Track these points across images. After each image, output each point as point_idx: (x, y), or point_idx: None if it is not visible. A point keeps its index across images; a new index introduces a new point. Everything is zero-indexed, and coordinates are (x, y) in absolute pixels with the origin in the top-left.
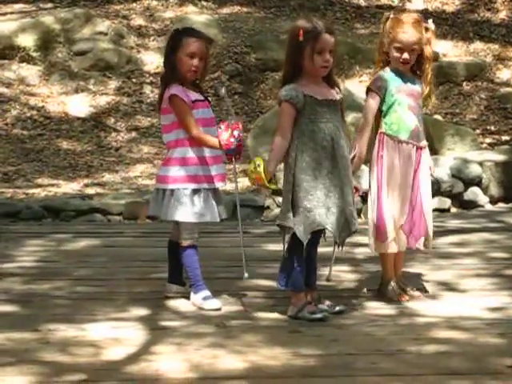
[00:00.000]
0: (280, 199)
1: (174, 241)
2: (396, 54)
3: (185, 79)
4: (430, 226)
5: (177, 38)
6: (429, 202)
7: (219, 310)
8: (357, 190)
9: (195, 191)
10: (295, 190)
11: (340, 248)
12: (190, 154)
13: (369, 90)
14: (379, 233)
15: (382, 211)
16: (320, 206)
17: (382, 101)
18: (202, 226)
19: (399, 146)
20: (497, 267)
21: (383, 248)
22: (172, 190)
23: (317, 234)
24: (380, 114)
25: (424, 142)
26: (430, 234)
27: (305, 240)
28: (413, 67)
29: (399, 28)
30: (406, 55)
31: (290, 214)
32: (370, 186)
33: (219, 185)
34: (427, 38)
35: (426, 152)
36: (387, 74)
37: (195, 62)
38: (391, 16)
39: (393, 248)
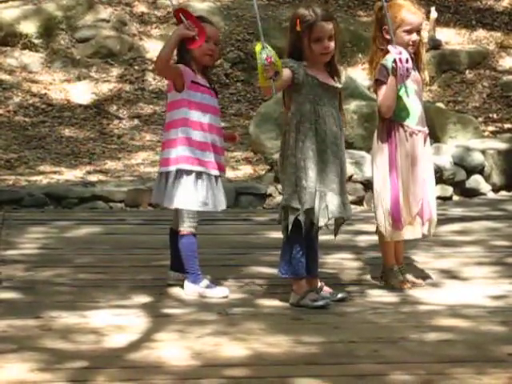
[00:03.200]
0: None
1: (175, 229)
2: (406, 37)
3: (200, 65)
4: (435, 211)
5: None
6: (433, 188)
7: (226, 297)
8: None
9: (198, 175)
10: (295, 171)
11: (334, 234)
12: (194, 136)
13: (377, 81)
14: (395, 221)
15: (398, 199)
16: (311, 186)
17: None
18: (205, 213)
19: (409, 133)
20: (499, 255)
21: (399, 236)
22: (176, 172)
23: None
24: None
25: (427, 129)
26: (435, 219)
27: (304, 221)
28: None
29: (405, 10)
30: (415, 36)
31: (296, 196)
32: (377, 175)
33: (221, 173)
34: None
35: (428, 138)
36: (390, 62)
37: (211, 45)
38: (386, 4)
39: (408, 235)
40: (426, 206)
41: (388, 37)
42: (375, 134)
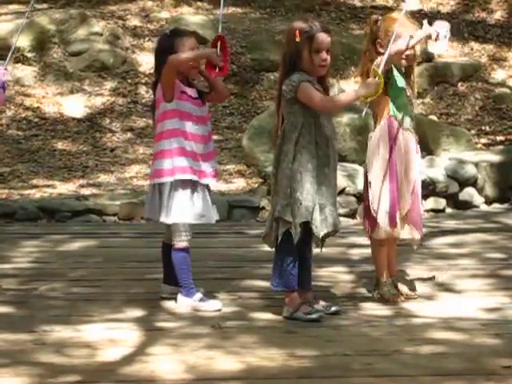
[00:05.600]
0: None
1: (167, 242)
2: None
3: (185, 79)
4: (422, 216)
5: (169, 43)
6: (420, 193)
7: (220, 310)
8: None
9: (193, 186)
10: (291, 183)
11: (319, 247)
12: (187, 146)
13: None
14: (392, 216)
15: (395, 195)
16: (308, 199)
17: (391, 85)
18: (198, 226)
19: (404, 131)
20: (492, 268)
21: (395, 233)
22: (170, 183)
23: (307, 232)
24: (386, 99)
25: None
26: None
27: (295, 234)
28: None
29: (398, 24)
30: (408, 51)
31: (289, 208)
32: (376, 169)
33: (213, 181)
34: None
35: (418, 148)
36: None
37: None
38: (380, 17)
39: (403, 234)
40: (417, 213)
41: (382, 50)
42: (373, 132)
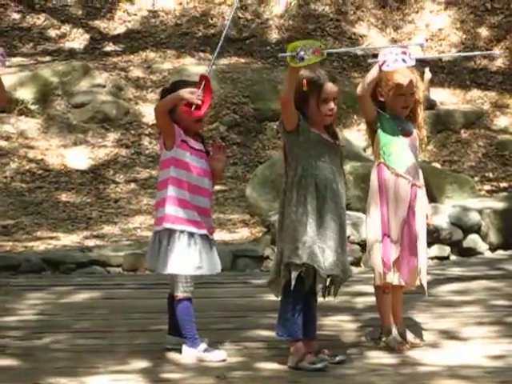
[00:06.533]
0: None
1: (172, 294)
2: (398, 101)
3: (189, 131)
4: (423, 263)
5: (167, 94)
6: (423, 240)
7: (224, 360)
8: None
9: (191, 236)
10: (297, 226)
11: (327, 294)
12: (181, 195)
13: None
14: (386, 262)
15: (387, 241)
16: (309, 241)
17: (382, 130)
18: (201, 276)
19: (396, 178)
20: (498, 315)
21: (389, 278)
22: (168, 233)
23: (314, 279)
24: (378, 145)
25: (421, 182)
26: (423, 271)
27: (306, 276)
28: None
29: (397, 74)
30: (407, 101)
31: (298, 252)
32: (369, 218)
33: (211, 236)
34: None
35: (422, 192)
36: (383, 113)
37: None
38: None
39: (396, 280)
40: (411, 257)
41: (382, 99)
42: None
